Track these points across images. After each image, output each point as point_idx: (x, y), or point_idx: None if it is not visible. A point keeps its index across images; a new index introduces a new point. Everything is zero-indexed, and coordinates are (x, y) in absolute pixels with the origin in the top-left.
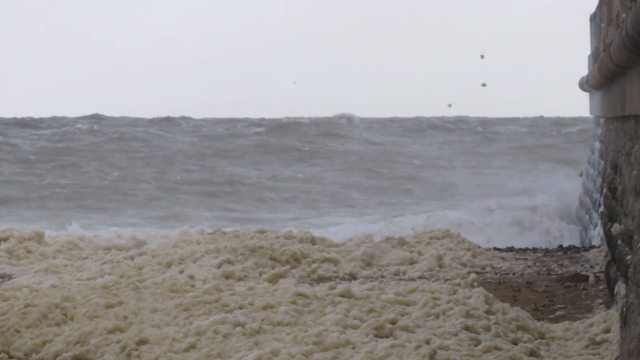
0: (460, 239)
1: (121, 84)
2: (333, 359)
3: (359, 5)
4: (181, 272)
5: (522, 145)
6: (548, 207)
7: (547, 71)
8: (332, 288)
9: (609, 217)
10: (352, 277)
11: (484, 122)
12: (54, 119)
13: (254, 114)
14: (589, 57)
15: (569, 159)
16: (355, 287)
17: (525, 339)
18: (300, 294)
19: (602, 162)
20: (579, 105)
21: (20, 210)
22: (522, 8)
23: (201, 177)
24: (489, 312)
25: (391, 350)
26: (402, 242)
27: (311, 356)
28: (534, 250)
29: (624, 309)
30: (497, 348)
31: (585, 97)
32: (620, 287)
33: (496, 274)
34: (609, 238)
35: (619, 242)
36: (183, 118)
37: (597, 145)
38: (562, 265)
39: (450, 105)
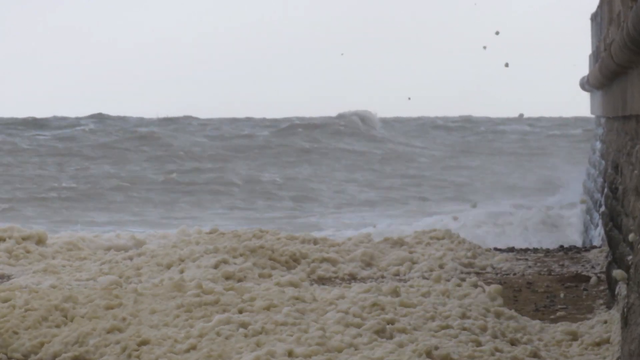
0: (460, 239)
1: (121, 84)
2: None
3: (359, 5)
4: (180, 272)
5: (524, 144)
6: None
7: (548, 71)
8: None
9: (610, 217)
10: (352, 277)
11: (487, 121)
12: (55, 118)
13: (254, 113)
14: (590, 56)
15: (575, 159)
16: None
17: (524, 340)
18: (298, 298)
19: (603, 162)
20: (580, 105)
21: (27, 210)
22: (522, 8)
23: (228, 177)
24: (486, 312)
25: (390, 354)
26: (401, 243)
27: (312, 357)
28: (535, 250)
29: (625, 310)
30: (498, 350)
31: (586, 96)
32: (621, 288)
33: (497, 274)
34: (610, 238)
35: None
36: (187, 118)
37: (598, 145)
38: (562, 265)
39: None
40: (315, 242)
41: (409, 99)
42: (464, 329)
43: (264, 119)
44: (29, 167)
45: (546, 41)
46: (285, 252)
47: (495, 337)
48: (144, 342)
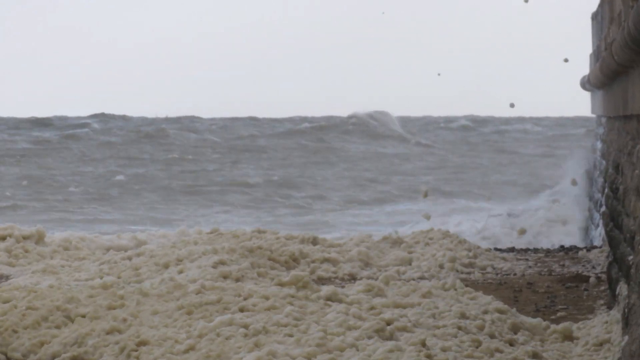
0: (460, 240)
1: (121, 84)
2: None
3: (359, 5)
4: (179, 272)
5: (524, 144)
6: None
7: (548, 70)
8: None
9: (611, 217)
10: (352, 277)
11: (489, 121)
12: (57, 118)
13: (254, 113)
14: (591, 56)
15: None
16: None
17: (522, 341)
18: (294, 296)
19: (604, 162)
20: (580, 104)
21: (29, 209)
22: (522, 7)
23: (258, 176)
24: (484, 312)
25: (390, 353)
26: (399, 242)
27: (312, 358)
28: (535, 250)
29: (626, 310)
30: (498, 350)
31: (586, 96)
32: (622, 288)
33: (497, 274)
34: (611, 238)
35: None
36: (188, 118)
37: (599, 144)
38: (563, 265)
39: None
40: (315, 242)
41: (439, 74)
42: (463, 328)
43: (272, 120)
44: (34, 167)
45: (546, 40)
46: (285, 252)
47: (494, 337)
48: (143, 343)
